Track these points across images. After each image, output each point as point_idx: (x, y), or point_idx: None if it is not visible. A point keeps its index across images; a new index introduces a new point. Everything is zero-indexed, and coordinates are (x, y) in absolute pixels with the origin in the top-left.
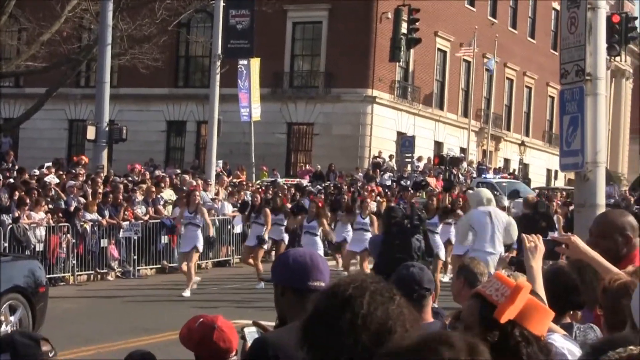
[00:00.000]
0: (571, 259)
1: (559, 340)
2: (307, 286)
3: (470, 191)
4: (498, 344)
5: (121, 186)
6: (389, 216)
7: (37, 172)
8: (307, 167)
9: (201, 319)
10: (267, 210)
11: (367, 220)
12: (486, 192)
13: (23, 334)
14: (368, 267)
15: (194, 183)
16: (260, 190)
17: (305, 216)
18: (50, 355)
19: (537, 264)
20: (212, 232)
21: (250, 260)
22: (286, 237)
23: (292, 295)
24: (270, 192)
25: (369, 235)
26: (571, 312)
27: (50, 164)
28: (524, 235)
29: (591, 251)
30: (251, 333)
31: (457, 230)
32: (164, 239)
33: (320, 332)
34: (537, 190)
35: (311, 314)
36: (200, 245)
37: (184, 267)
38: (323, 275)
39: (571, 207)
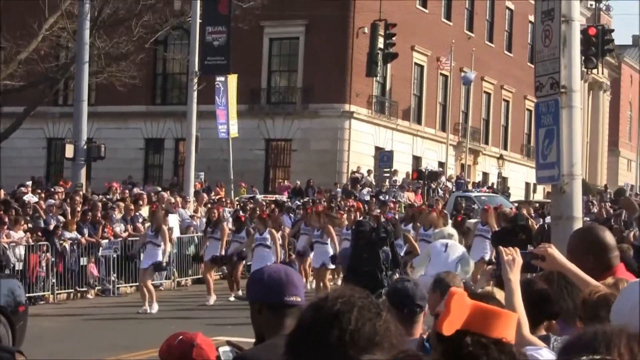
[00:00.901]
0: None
1: (546, 354)
2: (284, 301)
3: (436, 230)
4: (453, 356)
5: (99, 204)
6: (356, 230)
7: (13, 190)
8: (286, 183)
9: (180, 337)
10: (225, 225)
11: (266, 234)
12: (449, 230)
13: None
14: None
15: (172, 200)
16: (218, 206)
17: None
18: None
19: (515, 277)
20: (165, 258)
21: (208, 276)
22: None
23: (268, 312)
24: (249, 208)
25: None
26: (546, 323)
27: (29, 182)
28: (501, 248)
29: (569, 263)
30: (225, 352)
31: (418, 259)
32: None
33: (307, 347)
34: (516, 204)
35: (297, 329)
36: (160, 260)
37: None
38: (298, 290)
39: (547, 219)
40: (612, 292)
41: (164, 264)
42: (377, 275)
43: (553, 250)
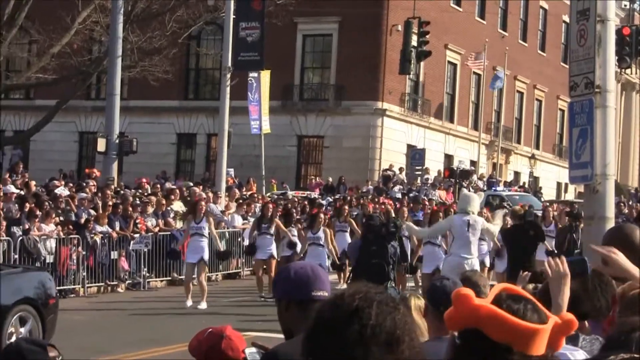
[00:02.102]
0: None
1: (580, 356)
2: (311, 297)
3: (465, 192)
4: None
5: (130, 198)
6: (366, 224)
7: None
8: (318, 179)
9: (210, 329)
10: (278, 220)
11: (321, 234)
12: (471, 202)
13: (29, 341)
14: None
15: (203, 195)
16: (272, 201)
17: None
18: None
19: (564, 301)
20: (220, 246)
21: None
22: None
23: (296, 309)
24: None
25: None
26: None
27: (62, 179)
28: (548, 262)
29: (634, 268)
30: (252, 354)
31: (436, 227)
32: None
33: (327, 344)
34: (547, 204)
35: (314, 326)
36: (207, 257)
37: (194, 279)
38: (325, 285)
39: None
40: None
41: (224, 254)
42: (384, 268)
43: (617, 253)
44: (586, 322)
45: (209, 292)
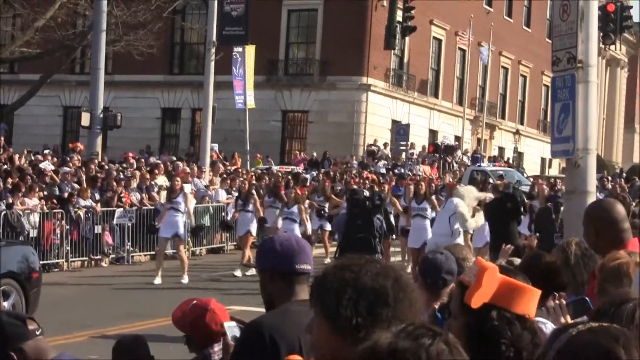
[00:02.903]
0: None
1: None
2: (295, 269)
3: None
4: (477, 328)
5: (114, 172)
6: (351, 198)
7: (29, 159)
8: (302, 154)
9: (194, 301)
10: (256, 196)
11: (294, 209)
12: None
13: (9, 314)
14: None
15: (188, 170)
16: (250, 177)
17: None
18: (37, 333)
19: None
20: (193, 221)
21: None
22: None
23: (280, 280)
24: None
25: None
26: (555, 295)
27: (46, 151)
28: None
29: None
30: (230, 328)
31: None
32: (158, 225)
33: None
34: (531, 179)
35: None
36: (182, 233)
37: (170, 252)
38: (308, 258)
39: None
40: (628, 260)
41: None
42: (371, 242)
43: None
44: (563, 294)
45: (192, 265)
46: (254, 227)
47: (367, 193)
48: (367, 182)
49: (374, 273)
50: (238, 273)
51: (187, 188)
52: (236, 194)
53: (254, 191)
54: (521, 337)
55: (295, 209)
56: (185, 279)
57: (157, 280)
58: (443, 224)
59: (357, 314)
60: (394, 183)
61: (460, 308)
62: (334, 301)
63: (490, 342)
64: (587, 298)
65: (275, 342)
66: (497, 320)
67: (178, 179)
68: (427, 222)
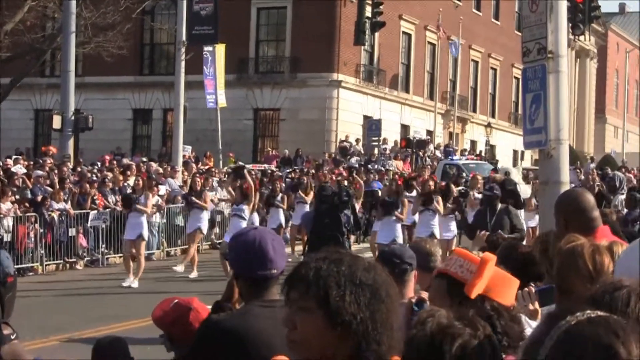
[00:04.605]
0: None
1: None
2: (256, 275)
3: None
4: None
5: (88, 175)
6: (319, 194)
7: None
8: (274, 152)
9: (176, 300)
10: (206, 193)
11: (243, 206)
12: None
13: None
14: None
15: (160, 170)
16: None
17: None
18: (12, 338)
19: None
20: (151, 218)
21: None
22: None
23: (242, 282)
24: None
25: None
26: (532, 285)
27: (19, 156)
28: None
29: None
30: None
31: None
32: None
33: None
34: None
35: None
36: (146, 234)
37: (137, 253)
38: (273, 263)
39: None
40: (582, 242)
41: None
42: (339, 238)
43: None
44: (539, 284)
45: (166, 266)
46: (204, 225)
47: (334, 189)
48: (340, 177)
49: (364, 268)
50: (180, 268)
51: (162, 189)
52: (187, 191)
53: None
54: (511, 328)
55: (244, 205)
56: (135, 283)
57: (135, 284)
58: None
59: (359, 309)
60: (376, 177)
61: (445, 299)
62: (337, 296)
63: None
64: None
65: (231, 342)
66: (492, 310)
67: (140, 178)
68: (394, 221)
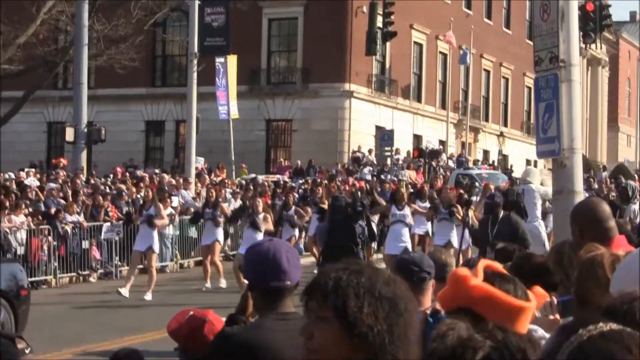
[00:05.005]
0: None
1: (542, 333)
2: (269, 287)
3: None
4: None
5: (101, 187)
6: (333, 205)
7: (11, 175)
8: (287, 163)
9: (192, 312)
10: (222, 204)
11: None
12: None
13: None
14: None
15: (173, 182)
16: (215, 187)
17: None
18: (27, 352)
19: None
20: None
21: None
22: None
23: (257, 294)
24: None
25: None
26: (554, 295)
27: (32, 169)
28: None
29: None
30: None
31: None
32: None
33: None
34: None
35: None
36: (156, 246)
37: (148, 265)
38: (286, 274)
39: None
40: (602, 252)
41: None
42: (353, 249)
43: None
44: (553, 294)
45: (179, 278)
46: (221, 236)
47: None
48: (353, 188)
49: (384, 281)
50: (223, 284)
51: (175, 201)
52: (203, 203)
53: (220, 199)
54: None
55: (260, 218)
56: (148, 296)
57: (148, 296)
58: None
59: (377, 321)
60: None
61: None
62: (355, 307)
63: None
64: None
65: (244, 355)
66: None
67: (150, 190)
68: (407, 230)
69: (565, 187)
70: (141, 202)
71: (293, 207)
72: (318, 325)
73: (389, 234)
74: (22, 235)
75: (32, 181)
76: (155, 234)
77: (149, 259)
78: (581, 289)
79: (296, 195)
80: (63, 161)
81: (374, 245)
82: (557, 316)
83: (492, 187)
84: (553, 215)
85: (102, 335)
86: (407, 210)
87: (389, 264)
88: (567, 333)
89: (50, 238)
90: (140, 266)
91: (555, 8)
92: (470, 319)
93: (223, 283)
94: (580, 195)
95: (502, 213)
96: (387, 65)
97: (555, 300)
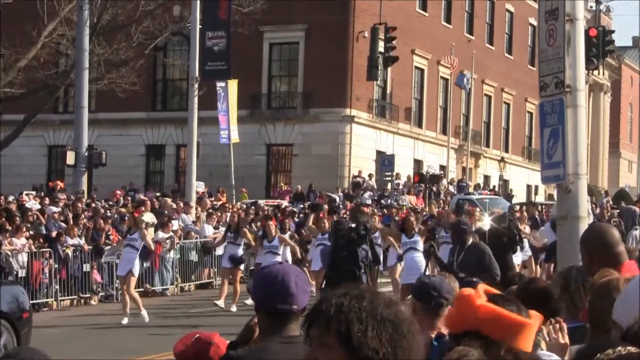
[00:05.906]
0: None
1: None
2: (276, 309)
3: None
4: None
5: (102, 210)
6: (336, 229)
7: (12, 198)
8: (287, 187)
9: (198, 335)
10: (246, 230)
11: (276, 242)
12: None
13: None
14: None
15: (174, 206)
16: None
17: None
18: None
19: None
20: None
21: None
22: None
23: (263, 315)
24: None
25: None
26: (552, 320)
27: (33, 192)
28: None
29: None
30: None
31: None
32: (146, 263)
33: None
34: (517, 207)
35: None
36: (136, 271)
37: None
38: (294, 297)
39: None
40: (617, 277)
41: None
42: (356, 273)
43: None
44: (560, 319)
45: (180, 301)
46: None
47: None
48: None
49: (385, 304)
50: (234, 308)
51: (175, 224)
52: (226, 227)
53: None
54: None
55: (276, 242)
56: (145, 318)
57: (145, 319)
58: None
59: (381, 344)
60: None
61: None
62: (359, 331)
63: None
64: (587, 325)
65: None
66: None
67: (135, 214)
68: (421, 255)
69: (570, 212)
70: (151, 225)
71: (288, 233)
72: (321, 351)
73: (404, 263)
74: (23, 258)
75: (33, 204)
76: (137, 258)
77: (128, 284)
78: (595, 313)
79: (293, 223)
80: (60, 184)
81: (381, 267)
82: (567, 339)
83: (499, 211)
84: (558, 241)
85: (103, 357)
86: (417, 237)
87: (403, 294)
88: (583, 358)
89: (51, 261)
90: (141, 289)
91: (562, 33)
92: (482, 344)
93: (234, 307)
94: (585, 220)
95: (470, 241)
96: (388, 90)
97: (564, 324)
